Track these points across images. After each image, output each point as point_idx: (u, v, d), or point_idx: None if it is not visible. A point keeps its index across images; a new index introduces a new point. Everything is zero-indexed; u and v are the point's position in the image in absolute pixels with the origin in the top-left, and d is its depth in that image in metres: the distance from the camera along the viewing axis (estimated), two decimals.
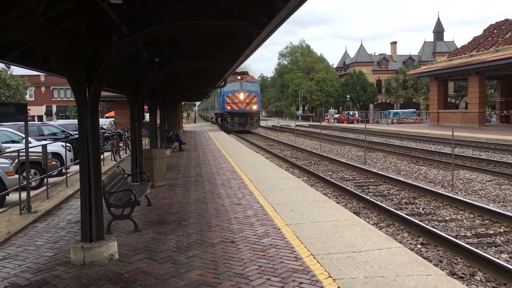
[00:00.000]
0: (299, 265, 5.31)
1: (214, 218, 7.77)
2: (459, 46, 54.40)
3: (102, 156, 15.37)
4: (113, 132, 24.27)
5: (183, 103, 52.05)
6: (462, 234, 7.85)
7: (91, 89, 5.69)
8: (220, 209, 8.44)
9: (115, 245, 5.91)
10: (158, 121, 18.87)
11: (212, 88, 27.22)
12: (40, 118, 65.59)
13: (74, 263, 5.61)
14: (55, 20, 8.12)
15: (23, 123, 8.88)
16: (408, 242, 7.50)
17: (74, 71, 5.73)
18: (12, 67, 52.66)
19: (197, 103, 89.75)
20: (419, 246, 7.31)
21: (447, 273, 5.68)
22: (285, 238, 6.42)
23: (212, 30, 7.54)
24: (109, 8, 8.58)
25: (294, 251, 5.82)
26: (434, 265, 5.83)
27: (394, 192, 11.69)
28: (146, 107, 22.66)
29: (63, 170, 13.60)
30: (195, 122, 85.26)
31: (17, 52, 9.65)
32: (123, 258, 5.81)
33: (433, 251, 7.01)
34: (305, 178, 14.44)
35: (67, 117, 63.99)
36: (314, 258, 5.52)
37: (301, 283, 4.77)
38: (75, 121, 29.00)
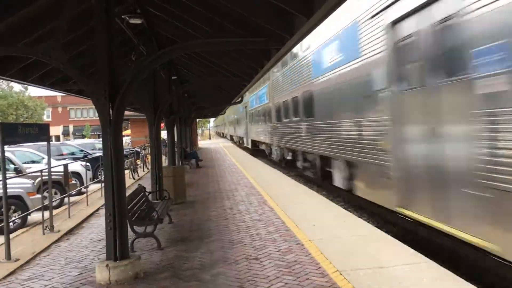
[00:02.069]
0: (326, 282, 5.23)
1: (236, 235, 7.72)
2: None
3: None
4: (131, 150, 24.45)
5: (197, 120, 51.79)
6: None
7: (115, 108, 5.74)
8: (241, 225, 8.40)
9: (140, 264, 5.90)
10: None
11: (228, 104, 27.31)
12: (57, 138, 66.53)
13: (99, 283, 5.61)
14: (76, 40, 8.31)
15: (43, 143, 9.00)
16: None
17: (97, 90, 5.80)
18: (29, 88, 53.83)
19: (211, 119, 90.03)
20: None
21: None
22: (309, 254, 6.34)
23: (232, 46, 7.60)
24: (127, 28, 8.77)
25: (319, 267, 5.74)
26: None
27: None
28: (162, 124, 22.88)
29: (83, 189, 13.71)
30: (209, 138, 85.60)
31: (38, 73, 9.88)
32: (148, 276, 5.79)
33: None
34: (324, 193, 14.32)
35: (83, 137, 64.79)
36: (341, 274, 5.43)
37: None
38: (93, 140, 29.37)
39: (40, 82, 10.44)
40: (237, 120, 46.67)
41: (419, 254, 6.11)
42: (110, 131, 5.74)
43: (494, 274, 6.09)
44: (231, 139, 59.99)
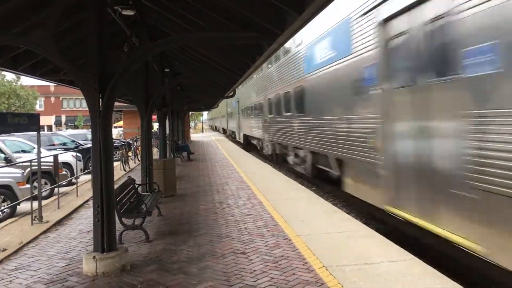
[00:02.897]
0: (311, 277, 5.27)
1: (224, 229, 7.75)
2: None
3: None
4: (122, 142, 24.37)
5: (190, 113, 51.66)
6: None
7: (104, 100, 5.72)
8: (230, 220, 8.43)
9: (127, 256, 5.91)
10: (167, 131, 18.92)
11: (221, 98, 27.26)
12: (49, 128, 66.06)
13: (86, 274, 5.61)
14: (68, 31, 8.26)
15: (34, 133, 8.96)
16: None
17: (86, 81, 5.78)
18: (21, 77, 53.27)
19: (205, 112, 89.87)
20: None
21: None
22: (296, 249, 6.38)
23: (225, 41, 7.59)
24: (120, 19, 8.72)
25: (306, 263, 5.78)
26: None
27: None
28: (154, 117, 22.82)
29: (73, 180, 13.67)
30: (202, 131, 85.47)
31: (29, 63, 9.80)
32: (135, 269, 5.81)
33: None
34: (314, 188, 14.38)
35: (76, 127, 64.42)
36: (327, 270, 5.47)
37: None
38: (85, 131, 29.21)
39: (31, 71, 10.36)
40: (230, 114, 46.43)
41: (405, 251, 6.18)
42: (100, 122, 5.72)
43: (477, 272, 6.17)
44: (224, 132, 59.40)
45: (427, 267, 5.53)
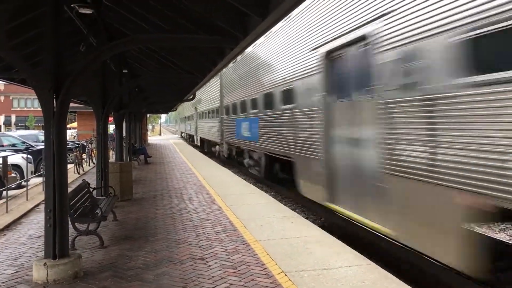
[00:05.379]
0: (270, 283, 5.25)
1: (182, 234, 7.62)
2: None
3: None
4: (76, 143, 23.62)
5: (148, 115, 50.84)
6: None
7: (59, 100, 5.50)
8: (188, 225, 8.30)
9: (80, 262, 5.69)
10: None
11: (180, 101, 26.98)
12: None
13: (36, 281, 5.35)
14: (21, 27, 7.92)
15: None
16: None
17: (40, 80, 5.54)
18: None
19: (163, 115, 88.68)
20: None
21: None
22: (255, 255, 6.35)
23: (186, 43, 7.48)
24: (77, 17, 8.45)
25: (265, 268, 5.75)
26: None
27: None
28: (110, 118, 22.22)
29: (23, 183, 13.10)
30: (160, 134, 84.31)
31: None
32: (88, 276, 5.60)
33: None
34: (273, 193, 14.43)
35: (27, 128, 61.98)
36: (286, 275, 5.47)
37: None
38: (37, 132, 28.14)
39: None
40: (188, 117, 47.02)
41: (362, 256, 6.27)
42: (54, 123, 5.49)
43: (431, 277, 6.35)
44: (180, 135, 59.94)
45: (384, 272, 5.62)
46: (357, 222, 8.01)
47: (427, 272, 6.40)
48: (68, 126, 55.89)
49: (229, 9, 5.92)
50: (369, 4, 7.33)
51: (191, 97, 20.16)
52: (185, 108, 46.50)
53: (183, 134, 51.70)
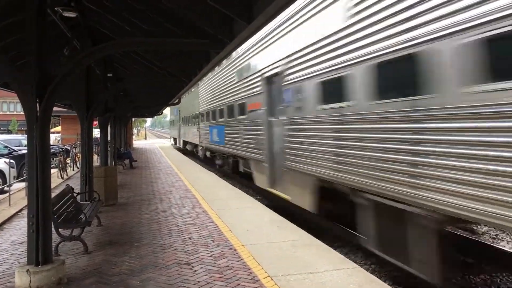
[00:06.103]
0: (256, 287, 5.23)
1: (168, 239, 7.57)
2: None
3: None
4: (60, 148, 23.33)
5: (133, 119, 50.49)
6: None
7: (42, 105, 5.43)
8: (174, 229, 8.25)
9: (64, 269, 5.61)
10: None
11: (166, 105, 26.86)
12: None
13: None
14: (4, 31, 7.82)
15: None
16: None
17: (23, 84, 5.47)
18: None
19: (148, 119, 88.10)
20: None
21: None
22: (241, 259, 6.33)
23: (172, 47, 7.46)
24: (61, 21, 8.37)
25: (251, 273, 5.74)
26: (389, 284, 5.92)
27: None
28: (95, 122, 21.96)
29: (6, 188, 12.89)
30: (145, 139, 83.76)
31: None
32: (72, 282, 5.52)
33: None
34: (259, 197, 14.42)
35: (9, 132, 61.06)
36: (272, 279, 5.46)
37: None
38: (19, 136, 27.74)
39: None
40: (172, 121, 48.70)
41: (348, 260, 6.29)
42: (37, 128, 5.42)
43: (415, 279, 6.40)
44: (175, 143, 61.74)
45: (369, 275, 5.65)
46: (283, 198, 11.08)
47: (411, 275, 6.45)
48: (51, 130, 55.30)
49: (214, 12, 5.92)
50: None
51: (176, 101, 20.07)
52: (171, 112, 48.09)
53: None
